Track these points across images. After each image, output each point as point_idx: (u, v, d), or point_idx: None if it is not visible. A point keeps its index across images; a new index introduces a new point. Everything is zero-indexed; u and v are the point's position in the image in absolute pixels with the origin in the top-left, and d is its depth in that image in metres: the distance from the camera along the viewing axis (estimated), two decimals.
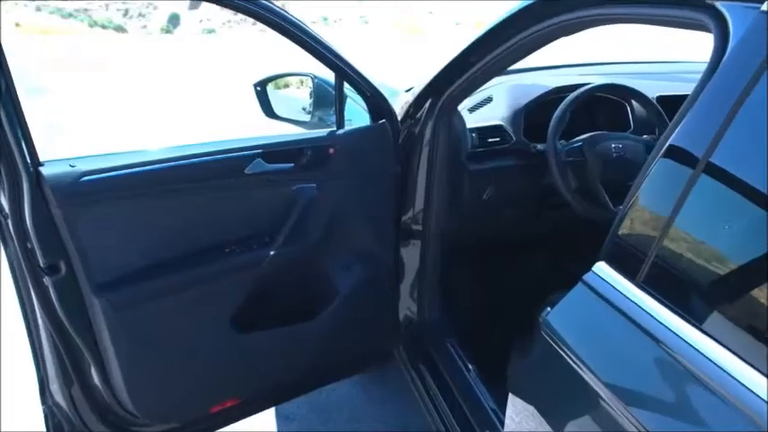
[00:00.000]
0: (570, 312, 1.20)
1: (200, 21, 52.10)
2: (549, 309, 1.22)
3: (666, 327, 0.97)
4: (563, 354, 1.14)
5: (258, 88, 2.24)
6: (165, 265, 1.63)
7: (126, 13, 52.58)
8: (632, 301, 1.04)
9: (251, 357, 1.86)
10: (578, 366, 1.10)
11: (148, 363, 1.70)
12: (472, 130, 2.04)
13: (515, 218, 2.25)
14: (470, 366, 2.01)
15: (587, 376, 1.07)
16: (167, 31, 50.63)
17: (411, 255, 2.12)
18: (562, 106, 1.95)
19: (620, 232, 1.13)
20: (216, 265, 1.71)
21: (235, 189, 1.73)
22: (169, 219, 1.64)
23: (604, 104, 2.14)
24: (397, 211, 2.05)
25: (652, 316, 1.00)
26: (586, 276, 1.16)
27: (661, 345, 0.97)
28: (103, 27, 46.97)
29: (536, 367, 1.31)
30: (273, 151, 1.77)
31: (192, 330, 1.73)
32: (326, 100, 2.09)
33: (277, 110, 2.24)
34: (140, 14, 52.77)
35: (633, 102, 2.14)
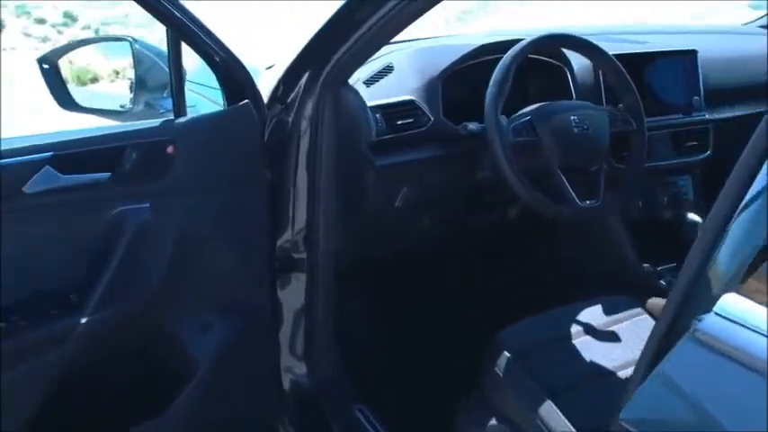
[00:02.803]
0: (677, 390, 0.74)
1: None
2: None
3: None
4: None
5: (45, 66, 1.49)
6: None
7: None
8: None
9: None
10: None
11: None
12: (374, 109, 1.46)
13: (440, 227, 1.71)
14: None
15: None
16: None
17: (293, 293, 1.53)
18: (502, 66, 1.43)
19: None
20: None
21: (8, 220, 1.11)
22: None
23: (536, 72, 1.64)
24: (271, 233, 1.47)
25: None
26: (702, 325, 0.70)
27: None
28: None
29: None
30: (74, 153, 1.19)
31: None
32: (156, 76, 1.42)
33: (79, 98, 1.51)
34: None
35: (573, 66, 1.67)
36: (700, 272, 0.77)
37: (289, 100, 1.42)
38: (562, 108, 1.50)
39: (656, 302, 1.51)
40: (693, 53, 1.78)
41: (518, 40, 1.46)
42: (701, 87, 1.76)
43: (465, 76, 1.57)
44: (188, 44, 1.25)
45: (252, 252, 1.45)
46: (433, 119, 1.51)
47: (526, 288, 1.83)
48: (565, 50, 1.63)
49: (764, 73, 1.93)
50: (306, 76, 1.39)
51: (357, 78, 1.53)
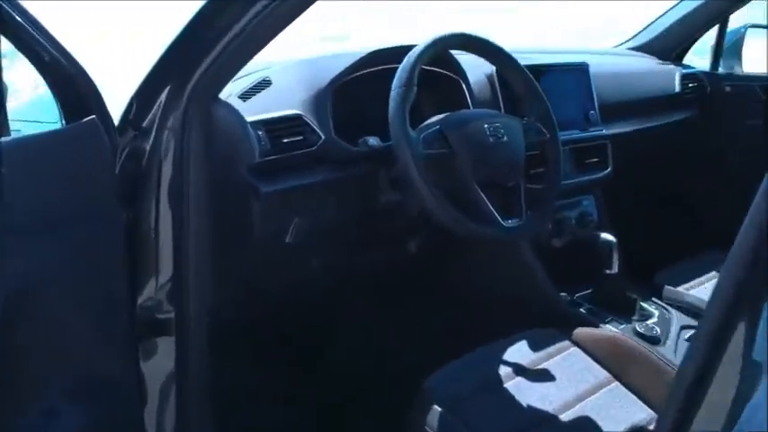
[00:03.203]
0: None
1: None
2: None
3: None
4: None
5: None
6: None
7: None
8: None
9: None
10: None
11: None
12: (256, 125, 1.21)
13: (339, 263, 1.47)
14: None
15: None
16: None
17: (160, 362, 1.22)
18: (406, 65, 1.22)
19: None
20: None
21: None
22: None
23: (429, 85, 1.46)
24: (130, 288, 1.16)
25: None
26: None
27: None
28: None
29: None
30: None
31: None
32: None
33: None
34: None
35: (469, 78, 1.51)
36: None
37: (144, 124, 1.15)
38: (473, 116, 1.33)
39: (584, 333, 1.36)
40: (585, 66, 1.70)
41: (412, 46, 1.28)
42: (596, 102, 1.69)
43: (356, 89, 1.36)
44: (8, 38, 0.96)
45: (106, 312, 1.13)
46: (324, 136, 1.27)
47: (440, 325, 1.63)
48: (461, 61, 1.48)
49: (652, 89, 1.92)
50: (165, 92, 1.13)
51: (229, 93, 1.28)
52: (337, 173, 1.31)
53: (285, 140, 1.23)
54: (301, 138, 1.25)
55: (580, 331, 1.35)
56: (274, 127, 1.23)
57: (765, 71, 1.99)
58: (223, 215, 1.19)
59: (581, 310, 1.51)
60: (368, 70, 1.37)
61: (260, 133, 1.19)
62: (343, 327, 1.66)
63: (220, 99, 1.19)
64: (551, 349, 1.32)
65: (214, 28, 1.07)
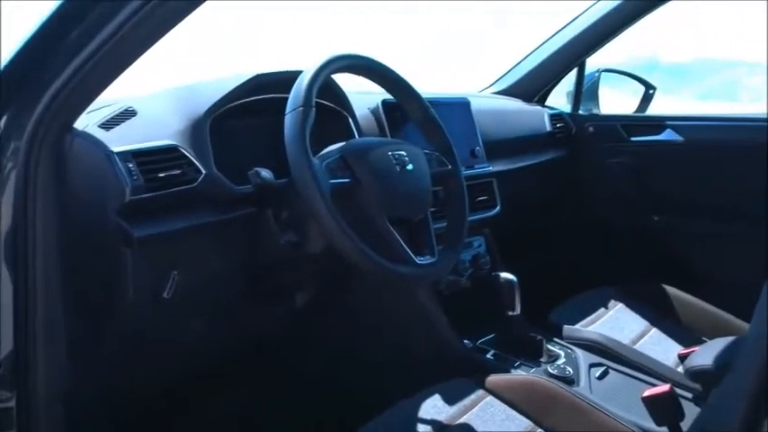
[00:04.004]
0: None
1: None
2: None
3: None
4: None
5: None
6: None
7: None
8: None
9: None
10: None
11: None
12: (125, 156, 0.99)
13: (224, 324, 1.25)
14: None
15: None
16: None
17: None
18: (304, 83, 1.06)
19: None
20: None
21: None
22: None
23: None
24: None
25: None
26: None
27: None
28: None
29: None
30: None
31: None
32: None
33: None
34: None
35: (355, 112, 1.38)
36: None
37: None
38: (376, 143, 1.20)
39: (498, 380, 1.26)
40: (467, 102, 1.65)
41: (298, 72, 1.14)
42: (480, 138, 1.64)
43: (237, 120, 1.19)
44: None
45: None
46: (205, 171, 1.09)
47: (338, 386, 1.46)
48: (348, 92, 1.36)
49: (527, 128, 1.92)
50: (3, 121, 0.91)
51: (86, 124, 1.07)
52: (222, 214, 1.12)
53: (161, 175, 1.03)
54: (179, 172, 1.05)
55: (493, 378, 1.24)
56: (147, 159, 1.02)
57: (622, 112, 2.09)
58: (84, 273, 0.97)
59: (488, 356, 1.41)
60: (250, 99, 1.21)
61: (130, 166, 0.99)
62: (228, 403, 1.44)
63: (76, 129, 0.98)
64: (466, 401, 1.20)
65: (66, 43, 0.89)
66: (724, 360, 1.11)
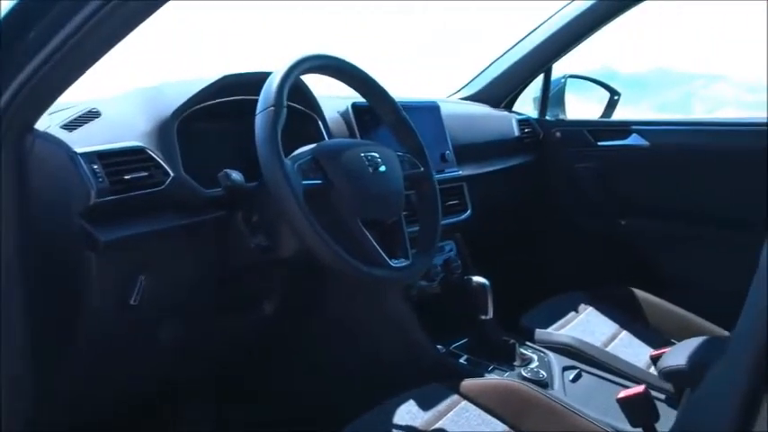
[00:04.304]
0: None
1: None
2: None
3: None
4: None
5: None
6: None
7: None
8: None
9: None
10: None
11: None
12: (90, 157, 0.95)
13: (195, 336, 1.21)
14: None
15: None
16: None
17: None
18: (272, 88, 1.04)
19: None
20: None
21: None
22: None
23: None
24: None
25: None
26: None
27: None
28: None
29: None
30: None
31: None
32: None
33: None
34: None
35: (324, 114, 1.36)
36: None
37: None
38: (348, 144, 1.18)
39: (472, 384, 1.24)
40: (436, 106, 1.64)
41: (268, 73, 1.12)
42: (450, 142, 1.63)
43: (205, 122, 1.16)
44: None
45: None
46: (173, 174, 1.05)
47: (311, 397, 1.43)
48: (318, 95, 1.34)
49: (495, 133, 1.92)
50: None
51: (49, 125, 1.02)
52: (190, 217, 1.09)
53: (127, 177, 0.99)
54: (146, 174, 1.02)
55: (467, 383, 1.23)
56: (113, 160, 0.98)
57: (587, 117, 2.11)
58: (47, 278, 0.92)
59: (461, 361, 1.40)
60: (218, 100, 1.17)
61: (95, 168, 0.95)
62: (199, 412, 1.39)
63: (38, 130, 0.94)
64: (441, 407, 1.18)
65: (25, 42, 0.85)
66: (697, 360, 1.11)
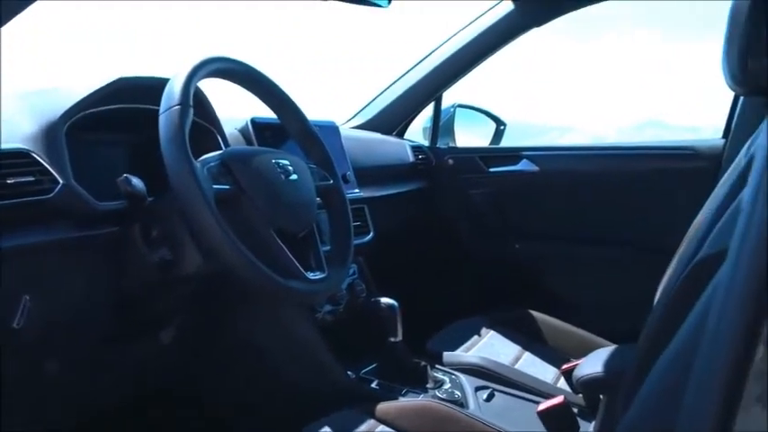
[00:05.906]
0: None
1: None
2: None
3: None
4: None
5: None
6: None
7: None
8: None
9: None
10: None
11: None
12: None
13: (84, 369, 1.05)
14: None
15: None
16: None
17: None
18: (176, 86, 0.94)
19: None
20: None
21: None
22: None
23: None
24: None
25: None
26: None
27: None
28: None
29: None
30: None
31: None
32: None
33: None
34: None
35: (223, 127, 1.26)
36: None
37: None
38: (257, 150, 1.11)
39: (389, 407, 1.18)
40: (335, 127, 1.60)
41: (166, 79, 1.02)
42: (350, 163, 1.59)
43: (97, 130, 1.04)
44: None
45: None
46: (62, 182, 0.93)
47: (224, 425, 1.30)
48: (217, 108, 1.25)
49: (392, 158, 1.89)
50: None
51: None
52: (81, 231, 0.96)
53: (10, 182, 0.86)
54: (32, 179, 0.89)
55: (383, 406, 1.16)
56: None
57: (477, 144, 2.15)
58: None
59: (373, 386, 1.33)
60: (114, 107, 1.06)
61: None
62: None
63: None
64: None
65: None
66: (612, 367, 1.12)
